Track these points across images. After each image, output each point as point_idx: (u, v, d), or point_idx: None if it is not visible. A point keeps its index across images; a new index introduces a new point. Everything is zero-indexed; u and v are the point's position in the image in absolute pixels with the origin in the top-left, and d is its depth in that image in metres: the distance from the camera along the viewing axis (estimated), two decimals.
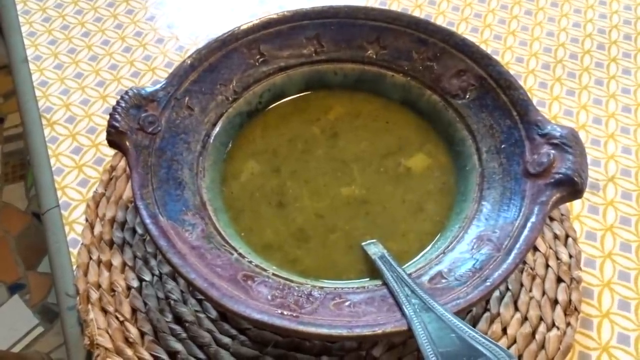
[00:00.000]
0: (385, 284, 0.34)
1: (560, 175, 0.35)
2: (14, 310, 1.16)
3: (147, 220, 0.33)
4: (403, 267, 0.36)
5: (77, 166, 0.51)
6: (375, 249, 0.37)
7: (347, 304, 0.32)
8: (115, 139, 0.37)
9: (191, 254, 0.33)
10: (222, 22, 0.62)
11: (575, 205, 0.48)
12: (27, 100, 0.56)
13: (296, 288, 0.33)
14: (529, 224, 0.34)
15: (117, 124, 0.37)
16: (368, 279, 0.36)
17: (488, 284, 0.31)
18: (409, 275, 0.34)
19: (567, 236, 0.45)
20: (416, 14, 0.63)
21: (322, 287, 0.34)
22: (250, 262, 0.35)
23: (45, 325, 1.14)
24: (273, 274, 0.35)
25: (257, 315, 0.30)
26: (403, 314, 0.31)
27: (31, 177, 1.34)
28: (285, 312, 0.31)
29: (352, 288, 0.34)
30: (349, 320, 0.30)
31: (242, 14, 0.63)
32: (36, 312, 1.15)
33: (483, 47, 0.60)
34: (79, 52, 0.59)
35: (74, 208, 0.48)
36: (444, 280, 0.33)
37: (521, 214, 0.34)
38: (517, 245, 0.33)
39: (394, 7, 0.64)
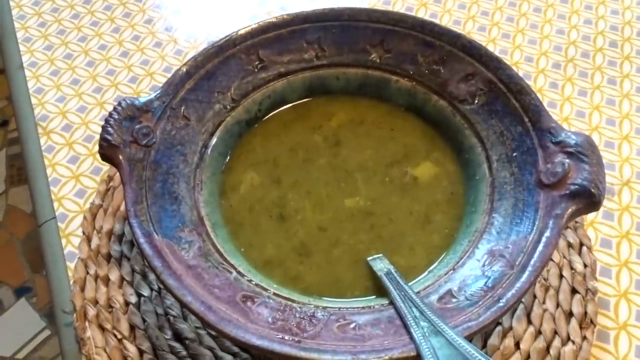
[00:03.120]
0: (392, 303, 0.32)
1: (576, 187, 0.33)
2: (20, 314, 1.16)
3: (141, 240, 0.32)
4: (410, 284, 0.34)
5: (74, 176, 0.49)
6: (381, 265, 0.35)
7: (352, 326, 0.31)
8: (107, 152, 0.35)
9: (187, 274, 0.32)
10: (221, 24, 0.60)
11: None
12: (22, 108, 0.54)
13: (298, 309, 0.32)
14: (543, 239, 0.32)
15: (109, 137, 0.35)
16: (374, 296, 0.35)
17: (501, 304, 0.30)
18: (417, 294, 0.32)
19: (581, 244, 0.43)
20: (421, 12, 0.61)
21: (325, 308, 0.32)
22: (250, 280, 0.34)
23: (53, 328, 1.13)
24: (274, 294, 0.33)
25: (256, 341, 0.29)
26: (411, 338, 0.29)
27: None
28: (286, 337, 0.29)
29: (357, 308, 0.32)
30: (353, 345, 0.29)
31: (242, 16, 0.61)
32: (43, 315, 1.15)
33: (491, 46, 0.58)
34: (76, 57, 0.58)
35: (71, 220, 0.47)
36: (454, 300, 0.31)
37: (535, 227, 0.33)
38: (532, 262, 0.31)
39: (398, 6, 0.62)
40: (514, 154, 0.37)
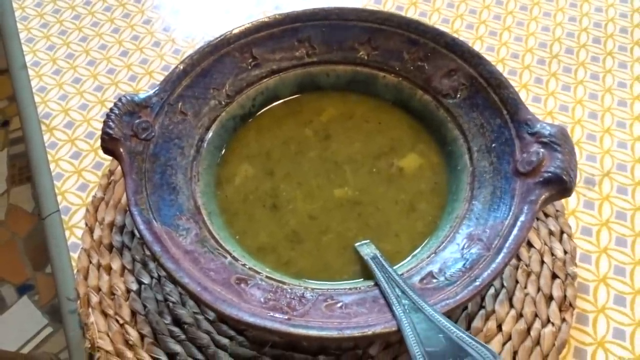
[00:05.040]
0: (377, 284, 0.34)
1: (549, 174, 0.35)
2: (23, 311, 1.17)
3: (141, 226, 0.34)
4: (395, 267, 0.36)
5: (76, 171, 0.51)
6: (367, 250, 0.37)
7: (339, 305, 0.33)
8: (109, 145, 0.37)
9: (185, 258, 0.34)
10: (217, 24, 0.62)
11: (571, 201, 0.48)
12: (26, 106, 0.56)
13: (289, 290, 0.34)
14: (518, 223, 0.34)
15: (110, 131, 0.37)
16: (361, 279, 0.37)
17: (477, 283, 0.32)
18: (400, 275, 0.34)
19: (562, 232, 0.45)
20: (411, 11, 0.63)
21: (314, 289, 0.34)
22: (244, 265, 0.36)
23: (55, 325, 1.15)
24: (266, 277, 0.35)
25: (249, 318, 0.31)
26: (393, 315, 0.31)
27: None
28: (277, 315, 0.31)
29: (345, 289, 0.35)
30: (340, 322, 0.31)
31: (237, 16, 0.63)
32: (45, 312, 1.17)
33: (478, 43, 0.60)
34: (77, 57, 0.60)
35: (74, 212, 0.49)
36: (434, 281, 0.33)
37: (511, 213, 0.35)
38: (507, 245, 0.33)
39: (389, 4, 0.64)
40: (493, 145, 0.39)
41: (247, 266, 0.36)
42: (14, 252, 1.25)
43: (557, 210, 0.46)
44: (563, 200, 0.48)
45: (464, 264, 0.34)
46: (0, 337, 1.14)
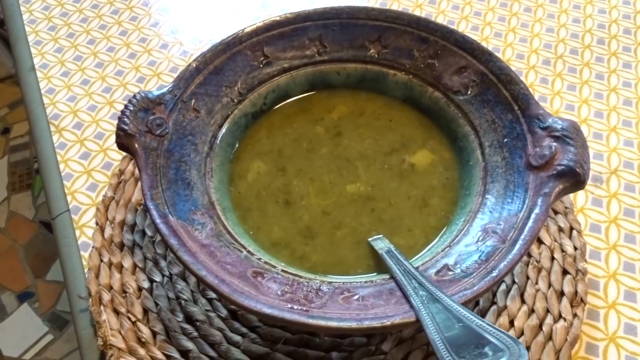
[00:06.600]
0: (393, 277, 0.34)
1: (563, 167, 0.35)
2: (23, 319, 1.17)
3: (158, 220, 0.34)
4: (410, 261, 0.36)
5: (85, 171, 0.51)
6: (381, 244, 0.37)
7: (355, 297, 0.33)
8: (124, 141, 0.37)
9: (201, 252, 0.34)
10: (225, 27, 0.63)
11: (579, 198, 0.49)
12: (35, 107, 0.56)
13: (305, 283, 0.34)
14: (533, 216, 0.34)
15: (125, 127, 0.37)
16: (375, 273, 0.37)
17: (494, 274, 0.32)
18: (416, 268, 0.34)
19: (571, 229, 0.46)
20: (416, 13, 0.64)
21: (330, 282, 0.35)
22: (260, 259, 0.36)
23: (55, 332, 1.14)
24: (282, 270, 0.35)
25: (267, 310, 0.31)
26: (411, 306, 0.31)
27: (38, 185, 1.35)
28: (295, 307, 0.31)
29: (360, 282, 0.35)
30: (358, 313, 0.31)
31: (244, 18, 0.64)
32: (45, 319, 1.16)
33: (484, 44, 0.60)
34: (85, 59, 0.60)
35: (84, 212, 0.49)
36: (450, 273, 0.33)
37: (525, 205, 0.35)
38: (522, 237, 0.33)
39: (394, 7, 0.65)
40: (505, 140, 0.39)
41: (263, 260, 0.36)
42: (15, 260, 1.25)
43: (566, 208, 0.47)
44: (572, 198, 0.48)
45: (480, 256, 0.34)
46: (1, 344, 1.13)
